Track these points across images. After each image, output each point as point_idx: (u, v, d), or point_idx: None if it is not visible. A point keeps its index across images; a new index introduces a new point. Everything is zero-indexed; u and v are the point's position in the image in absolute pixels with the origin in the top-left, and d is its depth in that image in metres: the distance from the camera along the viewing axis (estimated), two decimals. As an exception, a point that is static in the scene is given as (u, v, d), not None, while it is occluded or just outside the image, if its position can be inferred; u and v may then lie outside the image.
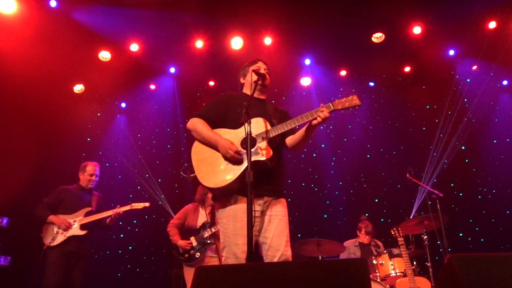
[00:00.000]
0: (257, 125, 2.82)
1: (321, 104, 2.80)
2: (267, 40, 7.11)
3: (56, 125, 7.08)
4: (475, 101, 7.74)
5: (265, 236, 2.84)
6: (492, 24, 6.89)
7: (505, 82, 7.75)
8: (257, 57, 3.37)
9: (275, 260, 2.77)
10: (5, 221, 5.66)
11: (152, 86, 8.08)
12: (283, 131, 2.81)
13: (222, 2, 6.71)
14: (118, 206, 4.99)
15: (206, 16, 6.81)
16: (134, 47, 7.06)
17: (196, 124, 2.97)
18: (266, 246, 2.84)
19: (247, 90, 3.20)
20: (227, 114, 3.01)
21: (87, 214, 4.91)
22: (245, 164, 2.72)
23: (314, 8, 6.70)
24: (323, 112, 2.73)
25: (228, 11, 6.73)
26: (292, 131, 2.97)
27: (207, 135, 2.90)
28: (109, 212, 4.94)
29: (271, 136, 2.80)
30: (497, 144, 7.59)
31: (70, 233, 4.76)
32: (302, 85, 8.09)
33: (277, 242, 2.81)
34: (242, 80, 3.28)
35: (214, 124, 2.98)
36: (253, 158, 2.64)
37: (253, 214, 2.52)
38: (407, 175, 5.45)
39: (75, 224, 4.80)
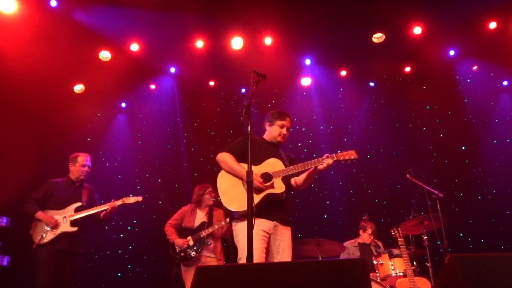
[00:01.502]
0: (275, 164, 3.46)
1: (326, 155, 3.41)
2: (267, 40, 7.11)
3: (56, 124, 7.07)
4: (475, 101, 7.74)
5: (272, 253, 3.42)
6: (492, 24, 6.90)
7: (505, 83, 7.75)
8: (286, 112, 3.89)
9: None
10: (5, 220, 5.63)
11: (152, 86, 8.08)
12: (296, 171, 3.41)
13: (222, 2, 6.71)
14: (113, 200, 4.76)
15: (206, 16, 6.81)
16: (134, 47, 7.06)
17: (226, 158, 3.54)
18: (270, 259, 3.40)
19: (267, 137, 3.78)
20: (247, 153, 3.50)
21: (78, 210, 4.66)
22: (262, 194, 3.34)
23: (314, 8, 6.70)
24: (328, 160, 3.36)
25: (228, 11, 6.74)
26: (298, 174, 3.54)
27: (236, 167, 3.47)
28: (105, 206, 4.70)
29: (287, 174, 3.41)
30: (497, 145, 7.58)
31: (60, 230, 4.52)
32: (303, 85, 8.09)
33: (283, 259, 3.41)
34: (266, 127, 3.80)
35: (238, 159, 3.53)
36: (270, 191, 3.35)
37: (265, 232, 3.33)
38: (407, 175, 5.45)
39: (65, 221, 4.56)
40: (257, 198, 3.31)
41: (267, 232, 3.36)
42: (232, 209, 3.38)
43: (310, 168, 3.41)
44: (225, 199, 3.43)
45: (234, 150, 3.57)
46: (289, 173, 3.40)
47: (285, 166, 3.50)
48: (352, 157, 3.35)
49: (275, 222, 3.41)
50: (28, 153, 6.51)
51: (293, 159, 3.75)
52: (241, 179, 3.41)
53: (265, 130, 3.82)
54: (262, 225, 3.32)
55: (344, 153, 3.37)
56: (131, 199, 4.86)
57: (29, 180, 6.37)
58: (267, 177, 3.39)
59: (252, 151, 3.41)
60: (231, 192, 3.42)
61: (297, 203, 7.60)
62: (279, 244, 3.42)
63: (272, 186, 3.36)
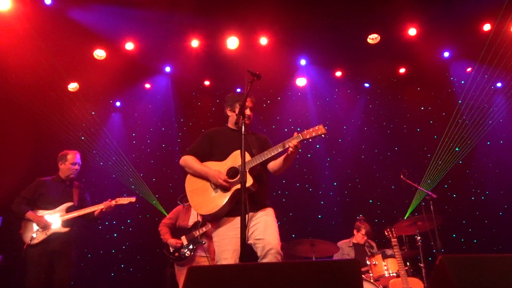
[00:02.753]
0: (237, 157, 3.18)
1: (294, 134, 3.11)
2: (263, 40, 7.11)
3: (50, 123, 7.02)
4: (469, 103, 7.78)
5: (253, 237, 3.12)
6: (486, 27, 6.94)
7: (499, 84, 7.79)
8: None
9: (263, 251, 3.00)
10: (-1, 220, 5.60)
11: (147, 85, 8.07)
12: (264, 159, 3.13)
13: (218, 1, 6.71)
14: (110, 199, 4.70)
15: (202, 15, 6.80)
16: (129, 45, 7.04)
17: (187, 160, 3.35)
18: (255, 243, 3.10)
19: (231, 124, 3.55)
20: (213, 149, 3.38)
21: (69, 210, 4.58)
22: (230, 192, 3.13)
23: (309, 9, 6.71)
24: (292, 142, 3.04)
25: (224, 11, 6.73)
26: (272, 158, 3.25)
27: (198, 168, 3.29)
28: (100, 206, 4.63)
29: (254, 164, 3.13)
30: (491, 146, 7.63)
31: (52, 230, 4.44)
32: (298, 86, 8.10)
33: (262, 235, 3.07)
34: (228, 112, 3.56)
35: (202, 158, 3.36)
36: (237, 187, 3.09)
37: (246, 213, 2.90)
38: (401, 176, 5.47)
39: (56, 221, 4.49)
40: (224, 198, 3.14)
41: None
42: (201, 213, 3.24)
43: (277, 153, 3.13)
44: (194, 204, 3.29)
45: (197, 150, 3.40)
46: (256, 163, 3.13)
47: (252, 154, 3.22)
48: (319, 133, 3.00)
49: (250, 213, 3.13)
50: (22, 151, 6.48)
51: (264, 141, 3.50)
52: (208, 180, 3.24)
53: (227, 116, 3.59)
54: (235, 224, 3.10)
55: (311, 129, 3.03)
56: (125, 200, 4.80)
57: (23, 179, 6.33)
58: (234, 172, 3.19)
59: (215, 146, 3.39)
60: (199, 195, 3.26)
61: (291, 203, 7.61)
62: (254, 230, 3.13)
63: (238, 182, 3.06)
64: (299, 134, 3.05)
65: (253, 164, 3.13)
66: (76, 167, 4.78)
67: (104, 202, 4.67)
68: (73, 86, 7.41)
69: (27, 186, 4.71)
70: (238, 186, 3.05)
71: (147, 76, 7.93)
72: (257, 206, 3.22)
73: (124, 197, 4.84)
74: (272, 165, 3.33)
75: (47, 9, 6.23)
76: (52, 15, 6.28)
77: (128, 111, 8.13)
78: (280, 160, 3.28)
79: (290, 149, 3.03)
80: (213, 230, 3.27)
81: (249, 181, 3.03)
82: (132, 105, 8.14)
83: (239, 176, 3.03)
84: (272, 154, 3.12)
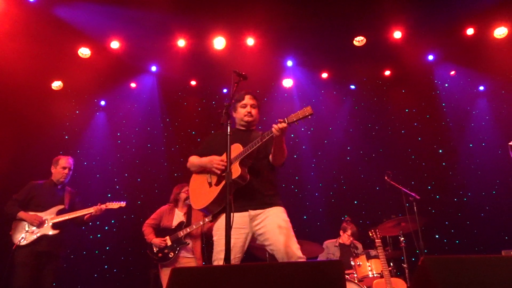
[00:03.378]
0: (235, 150, 3.11)
1: (278, 120, 2.99)
2: (250, 41, 7.12)
3: (33, 122, 6.92)
4: (452, 105, 7.90)
5: (261, 240, 3.09)
6: (470, 31, 7.06)
7: (481, 88, 7.93)
8: (245, 90, 3.47)
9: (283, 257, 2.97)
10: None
11: (133, 84, 7.99)
12: (251, 150, 3.07)
13: (205, 1, 6.69)
14: (99, 203, 4.77)
15: (189, 15, 6.77)
16: (114, 44, 6.97)
17: (191, 159, 3.41)
18: (271, 249, 3.07)
19: (237, 125, 3.49)
20: (215, 150, 3.32)
21: (60, 213, 4.67)
22: (220, 186, 3.08)
23: (296, 11, 6.73)
24: (277, 125, 2.91)
25: (211, 11, 6.71)
26: (266, 149, 3.22)
27: (197, 161, 3.33)
28: (90, 210, 4.71)
29: (243, 156, 3.08)
30: (473, 148, 7.75)
31: (41, 232, 4.53)
32: (284, 87, 8.12)
33: (275, 242, 3.01)
34: (234, 115, 3.49)
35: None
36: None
37: (238, 229, 3.00)
38: (386, 178, 5.53)
39: (46, 223, 4.57)
40: (215, 192, 3.12)
41: (241, 228, 3.08)
42: (198, 209, 3.23)
43: (264, 140, 3.02)
44: (191, 200, 3.33)
45: (199, 151, 3.46)
46: (245, 154, 3.08)
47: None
48: (306, 114, 2.88)
49: (249, 211, 3.11)
50: (3, 150, 6.36)
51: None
52: (206, 172, 3.27)
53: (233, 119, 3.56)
54: (234, 224, 2.93)
55: (298, 112, 2.92)
56: (115, 205, 4.87)
57: (4, 178, 6.23)
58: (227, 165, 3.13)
59: (215, 144, 3.37)
60: (196, 191, 3.30)
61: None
62: (262, 232, 3.07)
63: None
64: (285, 118, 2.96)
65: (241, 157, 3.07)
66: (66, 171, 4.87)
67: (94, 207, 4.75)
68: (57, 85, 7.31)
69: (13, 184, 4.84)
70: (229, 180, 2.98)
71: (132, 75, 7.86)
72: (260, 204, 3.14)
73: (114, 202, 4.89)
74: (270, 156, 3.25)
75: (31, 6, 6.14)
76: (36, 13, 6.19)
77: (113, 111, 8.05)
78: (272, 149, 3.20)
79: (273, 130, 2.93)
80: (215, 226, 3.23)
81: (237, 172, 3.00)
82: (117, 104, 8.06)
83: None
84: (260, 142, 3.04)
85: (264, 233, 3.06)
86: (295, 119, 2.91)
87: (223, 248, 2.87)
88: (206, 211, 3.26)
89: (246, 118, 3.37)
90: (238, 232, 3.05)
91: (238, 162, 3.07)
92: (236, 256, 3.04)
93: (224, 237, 2.84)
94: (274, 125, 2.93)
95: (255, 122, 3.47)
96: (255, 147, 3.06)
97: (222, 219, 3.12)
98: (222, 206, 3.11)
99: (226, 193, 2.87)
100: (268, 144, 3.11)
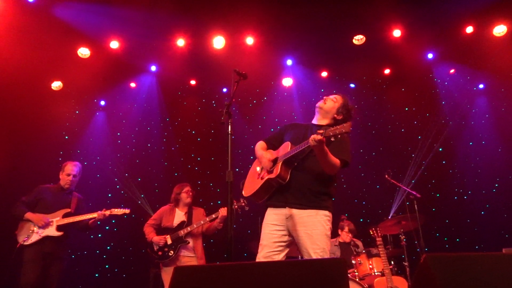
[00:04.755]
0: (285, 148, 3.18)
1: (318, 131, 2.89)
2: (249, 40, 7.11)
3: (33, 122, 6.92)
4: (452, 103, 7.90)
5: (302, 250, 3.07)
6: (469, 29, 7.06)
7: (481, 86, 7.93)
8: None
9: None
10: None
11: (133, 84, 7.99)
12: (291, 154, 3.06)
13: (204, 1, 6.68)
14: (104, 209, 4.86)
15: (188, 14, 6.77)
16: (114, 44, 6.96)
17: (256, 146, 3.42)
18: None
19: (315, 119, 3.45)
20: (283, 138, 3.37)
21: (65, 216, 4.75)
22: (263, 180, 3.14)
23: (296, 9, 6.73)
24: (314, 136, 2.81)
25: (210, 10, 6.71)
26: (297, 156, 3.13)
27: (257, 150, 3.36)
28: (93, 215, 4.80)
29: (285, 158, 3.08)
30: (473, 146, 7.76)
31: (46, 233, 4.60)
32: (284, 86, 8.12)
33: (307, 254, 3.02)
34: None
35: (271, 146, 3.39)
36: (268, 177, 3.11)
37: (275, 226, 3.06)
38: (386, 176, 5.54)
39: (51, 225, 4.64)
40: (258, 185, 3.18)
41: (278, 225, 3.06)
42: (244, 195, 3.31)
43: (301, 149, 2.99)
44: (244, 186, 3.39)
45: (268, 138, 3.48)
46: (287, 157, 3.07)
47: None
48: (344, 131, 2.76)
49: (287, 208, 3.06)
50: (4, 151, 6.37)
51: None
52: (260, 164, 3.30)
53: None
54: (270, 217, 3.12)
55: (338, 127, 2.78)
56: (119, 211, 4.95)
57: (4, 179, 6.23)
58: (274, 162, 3.18)
59: (283, 135, 3.40)
60: (248, 179, 3.39)
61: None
62: (295, 236, 3.04)
63: (272, 171, 3.11)
64: (324, 130, 2.82)
65: (285, 158, 3.08)
66: (71, 178, 4.93)
67: (98, 212, 4.81)
68: (56, 85, 7.30)
69: (14, 185, 4.88)
70: (271, 175, 3.08)
71: (132, 75, 7.85)
72: (299, 202, 3.06)
73: (120, 208, 4.97)
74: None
75: (30, 7, 6.13)
76: (35, 13, 6.18)
77: (113, 110, 8.04)
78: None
79: (310, 141, 2.84)
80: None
81: (276, 172, 3.05)
82: (116, 104, 8.06)
83: (274, 166, 3.12)
84: (298, 150, 3.00)
85: (296, 237, 3.04)
86: (332, 134, 2.77)
87: (263, 242, 3.07)
88: (251, 199, 3.32)
89: (319, 105, 3.40)
90: (272, 229, 3.08)
91: (281, 163, 3.09)
92: (268, 252, 3.02)
93: (265, 232, 3.08)
94: (312, 135, 2.83)
95: (325, 111, 3.40)
96: (293, 153, 3.04)
97: (267, 214, 3.18)
98: (262, 199, 3.21)
99: (266, 189, 3.14)
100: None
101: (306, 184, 3.08)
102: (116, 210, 4.94)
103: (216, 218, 4.96)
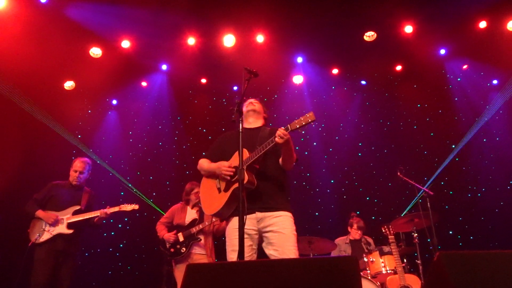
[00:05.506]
0: (238, 156, 3.06)
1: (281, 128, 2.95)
2: (259, 38, 7.11)
3: (47, 122, 7.01)
4: (465, 100, 7.81)
5: (268, 247, 3.07)
6: (482, 24, 6.96)
7: (495, 81, 7.82)
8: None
9: None
10: (-7, 219, 5.61)
11: (144, 83, 8.04)
12: (256, 157, 3.04)
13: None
14: (108, 206, 4.84)
15: (198, 13, 6.79)
16: (125, 43, 7.02)
17: (200, 164, 3.42)
18: (270, 254, 3.07)
19: (245, 124, 3.42)
20: (224, 151, 3.37)
21: (76, 213, 4.74)
22: (229, 192, 3.10)
23: (306, 6, 6.70)
24: (279, 133, 2.89)
25: (220, 9, 6.72)
26: (275, 154, 3.20)
27: (207, 166, 3.35)
28: (97, 213, 4.78)
29: (249, 162, 3.03)
30: (487, 143, 7.66)
31: (57, 231, 4.60)
32: (295, 83, 8.10)
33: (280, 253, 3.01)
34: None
35: (215, 160, 3.35)
36: (235, 186, 3.05)
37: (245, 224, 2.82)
38: (398, 173, 5.49)
39: (62, 222, 4.65)
40: (224, 198, 3.13)
41: (249, 228, 3.03)
42: (207, 214, 3.26)
43: (267, 148, 2.99)
44: (203, 205, 3.35)
45: (209, 154, 3.47)
46: (250, 161, 3.03)
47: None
48: (309, 120, 2.82)
49: (256, 213, 3.07)
50: (18, 150, 6.46)
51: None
52: (215, 178, 3.27)
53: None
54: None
55: (301, 118, 2.86)
56: (128, 207, 4.92)
57: (18, 177, 6.33)
58: (235, 171, 3.12)
59: (224, 145, 3.41)
60: (206, 196, 3.32)
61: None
62: (267, 237, 3.07)
63: (236, 181, 3.03)
64: (288, 125, 2.92)
65: (249, 162, 3.04)
66: (77, 174, 4.92)
67: (100, 210, 4.80)
68: (69, 85, 7.39)
69: (28, 185, 4.93)
70: (237, 184, 2.99)
71: (143, 74, 7.91)
72: (268, 206, 3.11)
73: (129, 204, 4.95)
74: (280, 159, 3.23)
75: (42, 8, 6.21)
76: (47, 14, 6.25)
77: (125, 109, 8.11)
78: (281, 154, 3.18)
79: (276, 139, 2.91)
80: (226, 229, 3.24)
81: (245, 178, 2.98)
82: (128, 103, 8.13)
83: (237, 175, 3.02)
84: (264, 150, 3.01)
85: (268, 238, 3.07)
86: (298, 126, 2.86)
87: (235, 248, 2.94)
88: (217, 216, 3.30)
89: (249, 114, 3.45)
90: (245, 233, 3.01)
91: (246, 168, 3.02)
92: (246, 256, 2.99)
93: (236, 237, 2.86)
94: (277, 132, 2.90)
95: (257, 114, 3.52)
96: (258, 155, 3.03)
97: (233, 221, 3.14)
98: (232, 210, 3.14)
99: (235, 199, 3.05)
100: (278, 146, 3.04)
101: (271, 186, 3.16)
102: (124, 206, 4.92)
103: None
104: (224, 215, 3.22)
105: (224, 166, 3.16)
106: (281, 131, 2.90)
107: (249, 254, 3.05)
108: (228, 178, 3.15)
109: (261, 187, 3.10)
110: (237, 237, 2.86)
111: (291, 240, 3.05)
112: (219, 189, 3.23)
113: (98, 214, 4.78)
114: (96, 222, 4.87)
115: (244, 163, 2.98)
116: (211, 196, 3.26)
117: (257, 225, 3.10)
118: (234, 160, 3.19)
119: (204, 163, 3.39)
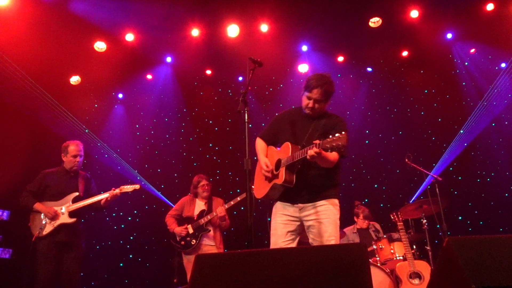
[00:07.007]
0: (286, 150, 3.17)
1: (316, 141, 2.86)
2: (264, 27, 7.05)
3: (54, 117, 7.04)
4: (473, 84, 7.72)
5: (310, 236, 3.19)
6: (489, 6, 6.85)
7: (503, 65, 7.71)
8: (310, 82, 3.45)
9: None
10: (5, 214, 5.64)
11: (149, 76, 8.05)
12: (291, 162, 3.06)
13: (217, -11, 6.64)
14: (114, 188, 4.64)
15: (202, 4, 6.74)
16: (129, 37, 7.01)
17: (256, 145, 3.47)
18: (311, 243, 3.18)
19: (300, 109, 3.49)
20: (279, 133, 3.43)
21: (75, 200, 4.55)
22: (270, 184, 3.21)
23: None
24: (309, 152, 2.86)
25: (223, -1, 6.67)
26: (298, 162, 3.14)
27: (258, 153, 3.42)
28: (105, 195, 4.58)
29: (287, 164, 3.08)
30: (495, 127, 7.59)
31: (59, 221, 4.43)
32: (300, 72, 8.05)
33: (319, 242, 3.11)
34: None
35: (270, 142, 3.46)
36: (274, 181, 3.17)
37: (288, 216, 3.21)
38: (406, 160, 5.47)
39: (63, 212, 4.47)
40: (266, 188, 3.23)
41: (290, 216, 3.19)
42: (258, 198, 3.38)
43: (302, 157, 2.96)
44: (254, 189, 3.45)
45: (263, 135, 3.50)
46: (287, 163, 3.07)
47: (303, 146, 3.06)
48: (340, 144, 2.71)
49: (298, 204, 3.19)
50: (27, 146, 6.50)
51: (332, 125, 3.35)
52: None
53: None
54: (281, 208, 3.25)
55: (334, 138, 2.74)
56: (129, 188, 4.72)
57: (28, 173, 6.37)
58: (277, 165, 3.18)
59: (277, 130, 3.45)
60: (257, 179, 3.42)
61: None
62: (308, 226, 3.16)
63: (277, 176, 3.14)
64: (321, 141, 2.79)
65: (287, 164, 3.06)
66: (78, 159, 4.68)
67: (109, 192, 4.63)
68: (75, 80, 7.41)
69: (32, 179, 4.68)
70: (275, 180, 3.15)
71: (148, 67, 7.91)
72: (307, 198, 3.17)
73: (129, 184, 4.77)
74: None
75: (46, 3, 6.20)
76: (51, 9, 6.24)
77: (131, 103, 8.14)
78: None
79: (308, 157, 2.86)
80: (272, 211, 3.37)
81: (281, 178, 3.08)
82: (134, 96, 8.15)
83: (279, 170, 3.13)
84: (298, 158, 2.99)
85: (308, 226, 3.16)
86: (328, 147, 2.75)
87: (273, 232, 3.21)
88: (264, 199, 3.39)
89: (307, 111, 3.38)
90: (284, 219, 3.21)
91: (284, 168, 3.09)
92: (282, 241, 3.15)
93: (275, 222, 3.21)
94: (309, 150, 2.85)
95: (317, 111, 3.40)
96: (294, 161, 3.02)
97: (276, 205, 3.31)
98: (276, 196, 3.26)
99: (274, 191, 3.21)
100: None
101: (313, 182, 3.17)
102: (125, 187, 4.71)
103: (234, 204, 5.03)
104: (268, 200, 3.37)
105: (265, 165, 3.22)
106: (312, 151, 2.82)
107: (288, 240, 3.16)
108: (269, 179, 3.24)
109: (305, 179, 3.14)
110: (277, 222, 3.21)
111: (329, 229, 3.09)
112: (265, 177, 3.32)
113: (108, 195, 4.58)
114: (103, 205, 4.64)
115: (283, 163, 3.09)
116: (259, 181, 3.37)
117: (299, 213, 3.19)
118: (281, 153, 3.21)
119: (258, 148, 3.44)
